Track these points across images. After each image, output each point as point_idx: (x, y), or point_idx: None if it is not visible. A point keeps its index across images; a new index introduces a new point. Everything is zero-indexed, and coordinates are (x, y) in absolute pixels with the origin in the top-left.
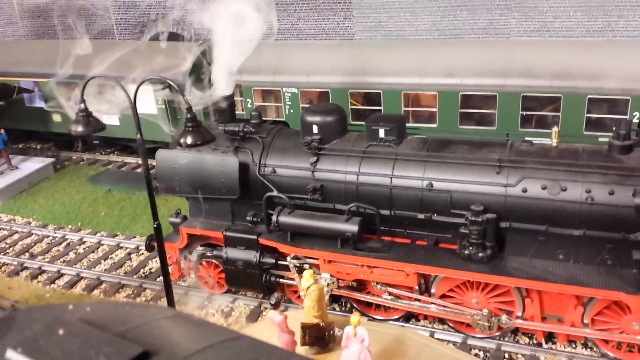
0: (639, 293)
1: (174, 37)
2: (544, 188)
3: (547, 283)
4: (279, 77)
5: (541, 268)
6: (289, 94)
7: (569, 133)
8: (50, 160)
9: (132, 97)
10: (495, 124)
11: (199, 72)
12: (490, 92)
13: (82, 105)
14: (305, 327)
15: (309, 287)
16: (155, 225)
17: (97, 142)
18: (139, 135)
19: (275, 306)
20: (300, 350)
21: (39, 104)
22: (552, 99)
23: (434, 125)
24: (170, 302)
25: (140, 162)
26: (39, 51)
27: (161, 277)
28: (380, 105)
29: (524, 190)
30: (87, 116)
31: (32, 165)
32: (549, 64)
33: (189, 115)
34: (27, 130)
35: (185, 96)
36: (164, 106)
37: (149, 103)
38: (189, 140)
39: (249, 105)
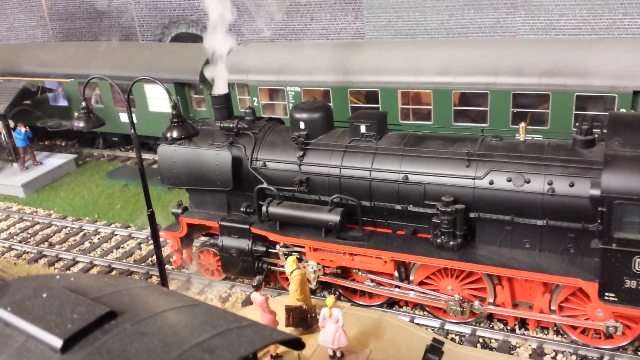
0: (596, 280)
1: (193, 37)
2: (509, 180)
3: (511, 270)
4: (283, 77)
5: (508, 256)
6: (292, 93)
7: (558, 130)
8: (73, 156)
9: (125, 96)
10: (488, 120)
11: None
12: (482, 90)
13: (84, 103)
14: (289, 310)
15: (292, 272)
16: (149, 213)
17: (117, 139)
18: (132, 130)
19: (257, 288)
20: (284, 330)
21: (63, 102)
22: (542, 97)
23: (430, 123)
24: (164, 281)
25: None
26: (63, 53)
27: (167, 265)
28: (378, 103)
29: (491, 183)
30: (88, 113)
31: (55, 161)
32: (538, 62)
33: (174, 112)
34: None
35: (170, 94)
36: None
37: (163, 102)
38: (175, 134)
39: (255, 104)
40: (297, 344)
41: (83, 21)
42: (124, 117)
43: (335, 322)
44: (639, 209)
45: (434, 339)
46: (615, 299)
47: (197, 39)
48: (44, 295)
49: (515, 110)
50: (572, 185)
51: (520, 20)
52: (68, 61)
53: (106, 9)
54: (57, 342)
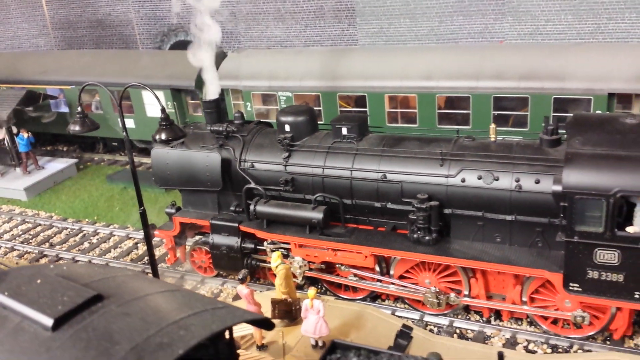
0: (561, 271)
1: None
2: (479, 178)
3: (483, 262)
4: (275, 82)
5: (480, 250)
6: (284, 98)
7: (538, 131)
8: (74, 161)
9: (117, 101)
10: (470, 123)
11: None
12: (464, 94)
13: (79, 108)
14: (274, 302)
15: (277, 267)
16: (140, 211)
17: (116, 144)
18: (124, 133)
19: (242, 281)
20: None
21: (64, 109)
22: (521, 100)
23: (415, 125)
24: (155, 274)
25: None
26: (64, 61)
27: (162, 264)
28: (366, 107)
29: (463, 180)
30: (83, 117)
31: (57, 165)
32: (517, 66)
33: (162, 116)
34: (54, 134)
35: (159, 99)
36: (173, 110)
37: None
38: (163, 136)
39: (248, 109)
40: (266, 324)
41: (85, 30)
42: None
43: (316, 313)
44: (598, 203)
45: (404, 325)
46: (580, 289)
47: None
48: (38, 281)
49: (496, 112)
50: (537, 182)
51: (507, 26)
52: (69, 69)
53: (107, 17)
54: (49, 322)
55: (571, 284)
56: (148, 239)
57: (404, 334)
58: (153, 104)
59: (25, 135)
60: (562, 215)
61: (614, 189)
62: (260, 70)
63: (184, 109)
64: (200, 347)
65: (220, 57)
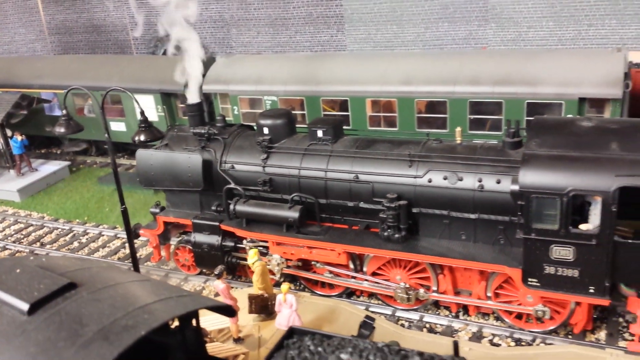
0: (519, 267)
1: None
2: (445, 178)
3: (448, 259)
4: (261, 87)
5: (446, 247)
6: (270, 102)
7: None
8: (66, 163)
9: (100, 104)
10: (447, 127)
11: None
12: (442, 99)
13: (65, 111)
14: (251, 298)
15: (254, 263)
16: (122, 209)
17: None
18: (106, 135)
19: (218, 276)
20: (248, 317)
21: (58, 112)
22: (496, 104)
23: (395, 129)
24: (136, 268)
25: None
26: (59, 65)
27: (148, 262)
28: (348, 111)
29: (430, 181)
30: (68, 120)
31: (50, 167)
32: (492, 72)
33: (142, 118)
34: (48, 137)
35: (139, 103)
36: (163, 114)
37: (151, 111)
38: (142, 137)
39: (235, 112)
40: (228, 311)
41: (80, 35)
42: (114, 126)
43: (289, 306)
44: (552, 201)
45: (366, 316)
46: (538, 284)
47: None
48: (18, 270)
49: (472, 117)
50: (498, 182)
51: (491, 32)
52: (63, 73)
53: (102, 23)
54: (25, 306)
55: (530, 279)
56: (129, 234)
57: (367, 324)
58: (145, 108)
59: (19, 138)
60: (519, 213)
61: (567, 188)
62: (247, 75)
63: (174, 112)
64: (169, 333)
65: (209, 62)
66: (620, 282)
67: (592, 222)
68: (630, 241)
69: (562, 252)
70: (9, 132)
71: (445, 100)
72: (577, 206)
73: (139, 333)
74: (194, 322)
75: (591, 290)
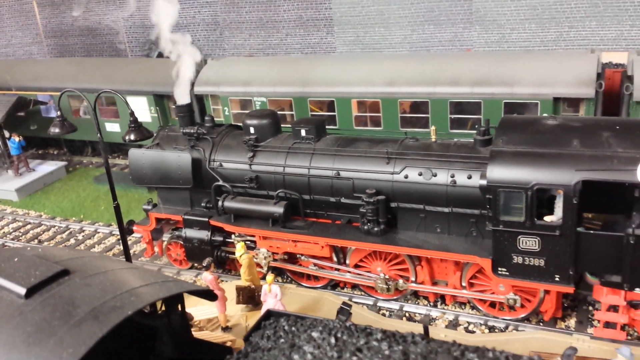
0: (489, 257)
1: None
2: (420, 174)
3: (423, 250)
4: (250, 88)
5: (422, 239)
6: (259, 103)
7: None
8: (63, 163)
9: (92, 104)
10: (430, 126)
11: None
12: (424, 99)
13: (59, 112)
14: (239, 289)
15: (241, 256)
16: (114, 205)
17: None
18: (99, 135)
19: (206, 268)
20: (235, 307)
21: (54, 114)
22: (475, 104)
23: (380, 129)
24: (128, 260)
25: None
26: (54, 68)
27: (142, 258)
28: (334, 112)
29: (406, 177)
30: (62, 120)
31: (47, 168)
32: (471, 73)
33: (131, 118)
34: (44, 137)
35: (129, 104)
36: (156, 115)
37: (144, 112)
38: (132, 136)
39: (226, 113)
40: (209, 295)
41: (76, 38)
42: (110, 127)
43: (274, 296)
44: (518, 195)
45: (344, 303)
46: (507, 273)
47: None
48: (15, 259)
49: (452, 116)
50: (469, 177)
51: (475, 35)
52: (59, 76)
53: (97, 26)
54: (22, 291)
55: (500, 269)
56: (121, 228)
57: (344, 310)
58: (139, 109)
59: (17, 139)
60: (488, 206)
61: (531, 183)
62: (237, 77)
63: (167, 113)
64: (156, 317)
65: (201, 64)
66: (584, 271)
67: (556, 214)
68: (591, 232)
69: (529, 242)
70: (6, 134)
71: (427, 100)
72: (546, 200)
73: (125, 313)
74: (179, 307)
75: (557, 279)
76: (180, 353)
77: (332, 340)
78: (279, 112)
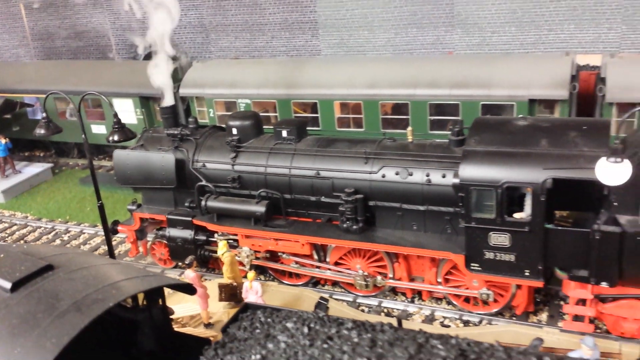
0: (463, 253)
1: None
2: (397, 174)
3: (399, 247)
4: (235, 90)
5: (399, 236)
6: (244, 105)
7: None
8: (49, 165)
9: (77, 106)
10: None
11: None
12: (404, 101)
13: (45, 114)
14: (221, 286)
15: (223, 254)
16: (99, 204)
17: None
18: (83, 136)
19: (189, 266)
20: (218, 305)
21: (40, 116)
22: (453, 106)
23: (362, 130)
24: (112, 256)
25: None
26: (41, 70)
27: (127, 258)
28: (317, 113)
29: (383, 176)
30: (48, 122)
31: (33, 169)
32: (449, 75)
33: (115, 120)
34: (31, 139)
35: (112, 106)
36: (142, 117)
37: (130, 114)
38: (115, 137)
39: (211, 115)
40: (189, 289)
41: (63, 40)
42: (95, 129)
43: (255, 293)
44: (489, 193)
45: (321, 297)
46: (479, 268)
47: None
48: (1, 255)
49: (432, 118)
50: (444, 176)
51: (457, 37)
52: (45, 78)
53: (84, 29)
54: (7, 285)
55: (472, 264)
56: (105, 226)
57: (321, 305)
58: (122, 111)
59: (3, 141)
60: (461, 204)
61: (501, 181)
62: (222, 79)
63: (152, 115)
64: (138, 311)
65: (187, 67)
66: (553, 266)
67: (526, 212)
68: (559, 228)
69: (499, 238)
70: None
71: (407, 102)
72: (517, 197)
73: (107, 305)
74: (160, 301)
75: (527, 274)
76: (161, 346)
77: (305, 329)
78: (263, 114)
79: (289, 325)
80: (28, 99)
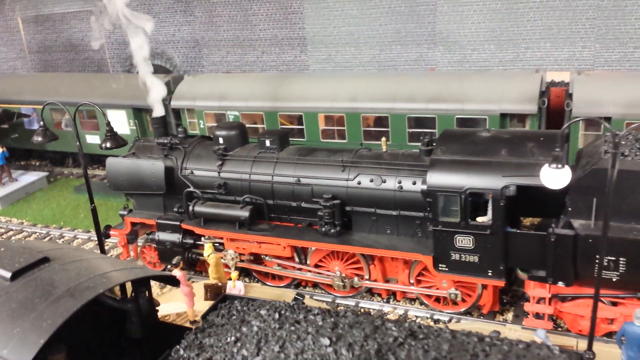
0: (431, 254)
1: (157, 68)
2: (371, 181)
3: (372, 249)
4: (224, 103)
5: (374, 239)
6: (232, 116)
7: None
8: (45, 174)
9: (72, 116)
10: (390, 139)
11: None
12: (384, 114)
13: (42, 122)
14: (206, 286)
15: (209, 256)
16: (92, 207)
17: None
18: (77, 144)
19: (176, 266)
20: (204, 304)
21: (37, 126)
22: (430, 119)
23: (345, 141)
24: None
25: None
26: (37, 82)
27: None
28: (303, 125)
29: (359, 183)
30: (45, 130)
31: (29, 178)
32: (426, 91)
33: (107, 128)
34: (27, 149)
35: (106, 115)
36: (135, 127)
37: (123, 125)
38: (108, 144)
39: (201, 126)
40: (173, 281)
41: (59, 54)
42: (90, 139)
43: (238, 292)
44: (454, 198)
45: (297, 293)
46: (447, 269)
47: (159, 69)
48: (2, 249)
49: (410, 130)
50: (414, 183)
51: (439, 55)
52: (42, 90)
53: (80, 42)
54: (7, 274)
55: (440, 265)
56: (97, 228)
57: (297, 300)
58: (117, 122)
59: (0, 149)
60: (428, 209)
61: (464, 187)
62: (212, 92)
63: (144, 126)
64: (126, 301)
65: (178, 80)
66: (514, 267)
67: (488, 216)
68: (518, 231)
69: (464, 241)
70: None
71: (387, 115)
72: (482, 203)
73: (97, 291)
74: (147, 293)
75: (489, 274)
76: (147, 333)
77: (277, 315)
78: (251, 126)
79: (262, 312)
80: (25, 110)
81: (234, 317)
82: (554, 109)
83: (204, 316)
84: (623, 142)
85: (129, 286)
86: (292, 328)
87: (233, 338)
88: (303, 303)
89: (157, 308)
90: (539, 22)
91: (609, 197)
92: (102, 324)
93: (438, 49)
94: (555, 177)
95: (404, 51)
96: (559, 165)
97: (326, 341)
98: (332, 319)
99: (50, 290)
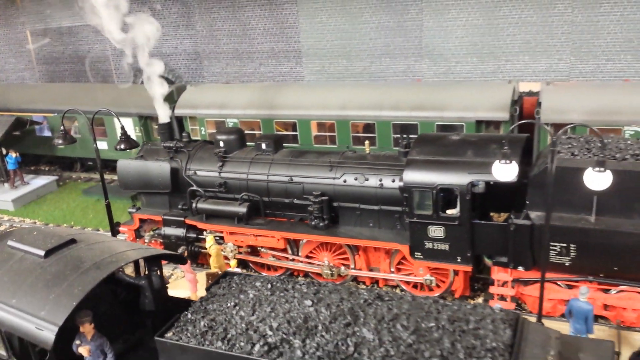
0: (408, 243)
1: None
2: (355, 179)
3: (356, 239)
4: (224, 111)
5: (358, 232)
6: (232, 123)
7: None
8: (54, 178)
9: (89, 123)
10: (377, 144)
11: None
12: (371, 121)
13: (62, 128)
14: (208, 275)
15: (210, 247)
16: (106, 203)
17: (92, 163)
18: (95, 146)
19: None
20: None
21: (47, 133)
22: (413, 126)
23: (335, 146)
24: None
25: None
26: (47, 92)
27: None
28: (297, 131)
29: (345, 181)
30: (64, 134)
31: (40, 181)
32: (410, 99)
33: (122, 131)
34: (38, 154)
35: (120, 120)
36: (141, 134)
37: (130, 131)
38: (122, 146)
39: (203, 133)
40: (180, 259)
41: (66, 65)
42: (99, 145)
43: None
44: (427, 194)
45: None
46: (422, 256)
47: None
48: (35, 233)
49: (395, 136)
50: (393, 181)
51: (425, 67)
52: (52, 99)
53: (87, 54)
54: (41, 253)
55: (416, 253)
56: (110, 221)
57: None
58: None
59: (14, 155)
60: (405, 203)
61: (436, 184)
62: (212, 101)
63: (150, 132)
64: (140, 278)
65: (181, 90)
66: (481, 254)
67: (456, 209)
68: (483, 222)
69: (436, 231)
70: (3, 150)
71: (374, 122)
72: (454, 197)
73: (118, 264)
74: (158, 271)
75: (459, 260)
76: (158, 307)
77: (269, 285)
78: (249, 132)
79: (257, 284)
80: (36, 117)
81: (233, 288)
82: (527, 116)
83: (208, 289)
84: (575, 144)
85: (142, 266)
86: (282, 294)
87: (232, 303)
88: None
89: (167, 285)
90: (518, 37)
91: (549, 189)
92: (119, 302)
93: (424, 61)
94: (504, 171)
95: (393, 63)
96: (507, 161)
97: (309, 302)
98: (315, 287)
99: (78, 264)
